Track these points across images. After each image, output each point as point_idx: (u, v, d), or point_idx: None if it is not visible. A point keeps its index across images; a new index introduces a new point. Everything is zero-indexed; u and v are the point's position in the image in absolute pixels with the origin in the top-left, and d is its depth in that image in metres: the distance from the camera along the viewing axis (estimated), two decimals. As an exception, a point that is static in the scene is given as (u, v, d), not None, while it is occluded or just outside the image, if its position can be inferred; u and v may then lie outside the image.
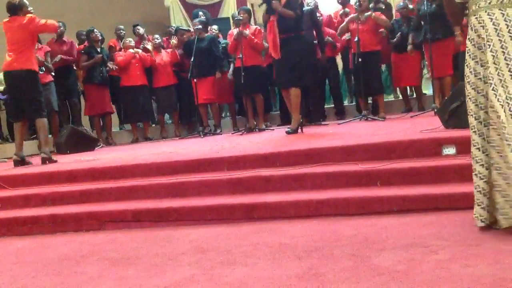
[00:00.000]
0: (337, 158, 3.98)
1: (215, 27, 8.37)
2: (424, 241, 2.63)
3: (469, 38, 2.71)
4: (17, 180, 4.83)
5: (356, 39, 6.55)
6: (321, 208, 3.47)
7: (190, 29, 8.33)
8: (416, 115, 6.54)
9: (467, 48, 2.72)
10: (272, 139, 5.69)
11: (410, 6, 7.28)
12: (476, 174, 2.65)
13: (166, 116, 9.10)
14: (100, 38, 8.16)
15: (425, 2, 6.53)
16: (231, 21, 9.25)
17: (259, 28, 7.39)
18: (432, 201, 3.24)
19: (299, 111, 5.82)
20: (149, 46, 8.20)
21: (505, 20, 2.57)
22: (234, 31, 7.29)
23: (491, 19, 2.59)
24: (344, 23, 6.97)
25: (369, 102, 7.27)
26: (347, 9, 7.67)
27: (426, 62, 7.06)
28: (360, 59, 6.50)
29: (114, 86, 8.35)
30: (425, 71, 7.86)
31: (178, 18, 10.72)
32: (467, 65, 2.70)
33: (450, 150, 3.70)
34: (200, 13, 8.32)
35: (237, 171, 4.11)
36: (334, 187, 3.69)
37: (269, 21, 5.66)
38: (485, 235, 2.56)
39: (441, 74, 6.62)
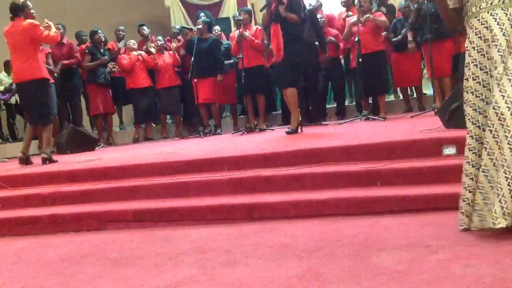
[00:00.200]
0: (337, 158, 3.98)
1: (217, 27, 8.38)
2: (424, 241, 2.63)
3: (469, 41, 2.67)
4: (17, 180, 4.84)
5: (356, 39, 6.56)
6: (322, 208, 3.47)
7: (193, 27, 8.33)
8: (417, 115, 6.53)
9: (467, 51, 2.69)
10: (272, 139, 5.70)
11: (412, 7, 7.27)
12: (467, 175, 2.62)
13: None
14: (103, 39, 8.17)
15: (425, 2, 6.54)
16: (232, 21, 9.26)
17: (259, 28, 7.39)
18: (432, 201, 3.24)
19: (297, 111, 5.86)
20: (152, 48, 8.20)
21: (508, 20, 2.56)
22: (235, 33, 7.31)
23: (495, 19, 2.57)
24: (347, 28, 6.97)
25: (369, 102, 7.25)
26: (350, 13, 7.67)
27: (426, 63, 7.06)
28: (360, 60, 6.50)
29: (116, 87, 8.37)
30: (425, 71, 7.85)
31: (178, 18, 10.71)
32: (468, 68, 2.67)
33: (450, 150, 3.70)
34: (202, 14, 8.31)
35: (237, 171, 4.11)
36: (335, 187, 3.69)
37: (273, 25, 5.68)
38: (485, 235, 2.56)
39: (440, 74, 6.62)
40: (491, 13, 2.59)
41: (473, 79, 2.63)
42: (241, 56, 6.95)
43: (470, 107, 2.62)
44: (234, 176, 4.05)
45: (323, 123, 7.19)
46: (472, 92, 2.63)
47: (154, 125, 8.92)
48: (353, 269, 2.36)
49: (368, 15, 6.70)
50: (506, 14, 2.57)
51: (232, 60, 7.88)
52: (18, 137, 9.14)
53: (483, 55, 2.61)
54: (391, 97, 8.58)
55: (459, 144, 3.64)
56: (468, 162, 2.62)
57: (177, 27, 9.05)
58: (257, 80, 7.14)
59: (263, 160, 4.18)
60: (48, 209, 4.24)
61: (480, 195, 2.53)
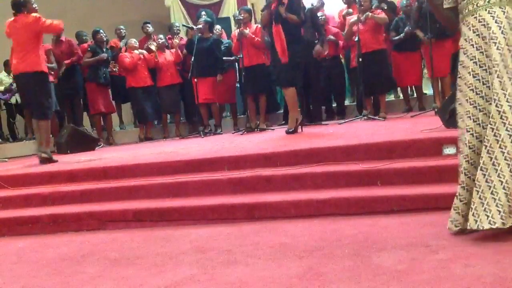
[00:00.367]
0: (337, 157, 3.98)
1: (218, 26, 8.38)
2: (424, 241, 2.63)
3: (465, 39, 2.65)
4: (17, 180, 4.84)
5: (356, 38, 6.55)
6: (322, 208, 3.47)
7: (193, 26, 8.32)
8: (417, 115, 6.53)
9: (463, 49, 2.66)
10: (272, 139, 5.70)
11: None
12: (465, 173, 2.60)
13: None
14: (105, 39, 8.18)
15: (425, 2, 6.53)
16: (232, 20, 9.26)
17: (259, 26, 7.39)
18: (433, 200, 3.23)
19: (296, 110, 5.88)
20: (153, 46, 8.20)
21: (506, 18, 2.56)
22: (236, 32, 7.33)
23: (493, 17, 2.56)
24: (348, 28, 6.96)
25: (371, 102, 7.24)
26: (350, 10, 7.66)
27: (426, 63, 7.06)
28: (360, 59, 6.50)
29: (116, 86, 8.36)
30: (425, 70, 7.85)
31: (179, 18, 10.69)
32: (463, 66, 2.64)
33: (450, 150, 3.70)
34: (203, 13, 8.30)
35: (237, 171, 4.11)
36: (335, 186, 3.69)
37: (274, 26, 5.68)
38: (485, 235, 2.56)
39: (440, 74, 6.62)
40: (488, 10, 2.59)
41: (473, 76, 2.61)
42: (241, 55, 6.94)
43: (471, 104, 2.60)
44: (234, 176, 4.04)
45: (323, 123, 7.18)
46: (472, 90, 2.60)
47: (156, 125, 8.92)
48: (354, 269, 2.36)
49: (367, 13, 6.70)
50: (504, 12, 2.57)
51: (233, 57, 7.87)
52: (18, 137, 9.15)
53: (482, 52, 2.59)
54: (391, 97, 8.57)
55: (459, 144, 3.65)
56: (468, 161, 2.60)
57: (177, 24, 9.04)
58: (258, 79, 7.15)
59: (263, 160, 4.18)
60: (48, 209, 4.24)
61: (477, 194, 2.51)
